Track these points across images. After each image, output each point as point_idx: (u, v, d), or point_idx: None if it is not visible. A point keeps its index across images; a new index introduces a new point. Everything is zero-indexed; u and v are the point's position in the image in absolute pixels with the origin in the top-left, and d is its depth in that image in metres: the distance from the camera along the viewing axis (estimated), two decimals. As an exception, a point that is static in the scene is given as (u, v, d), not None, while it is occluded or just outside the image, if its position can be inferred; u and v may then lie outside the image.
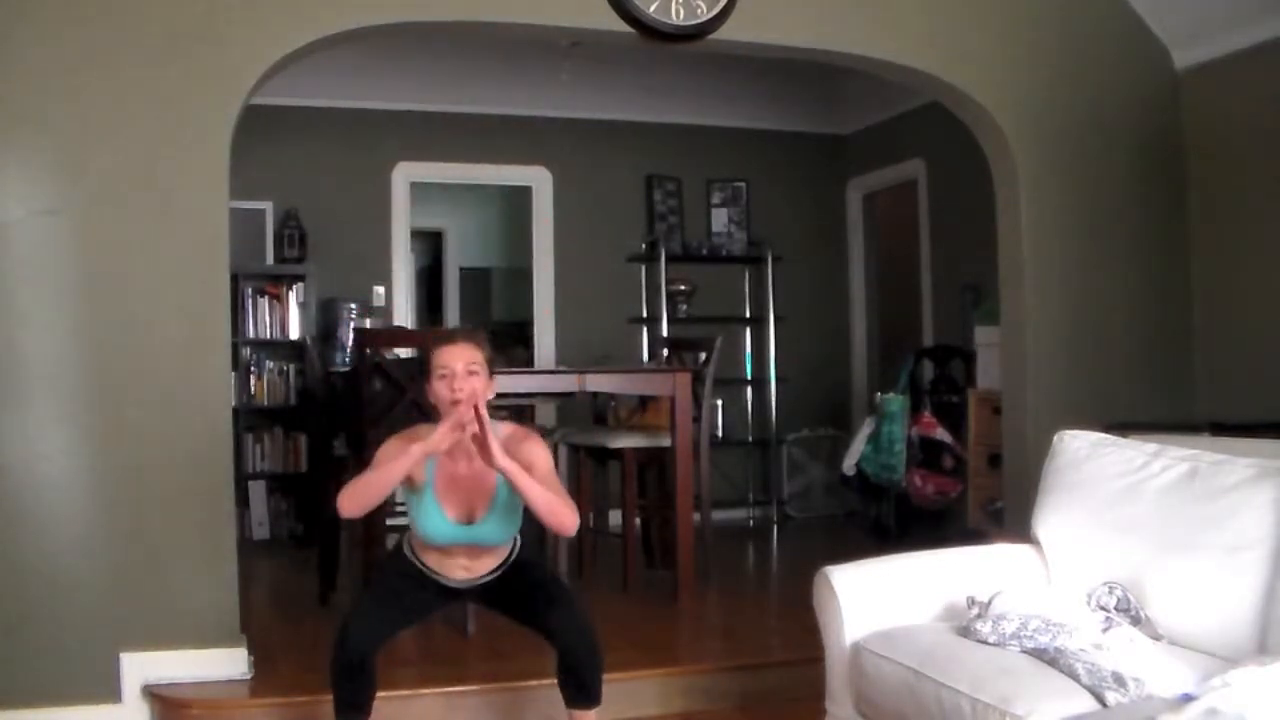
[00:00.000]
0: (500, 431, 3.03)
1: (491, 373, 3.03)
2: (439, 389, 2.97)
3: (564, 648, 2.97)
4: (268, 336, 6.84)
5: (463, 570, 3.10)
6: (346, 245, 7.01)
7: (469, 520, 3.04)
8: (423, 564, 3.11)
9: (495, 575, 3.13)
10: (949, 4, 4.69)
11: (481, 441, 2.91)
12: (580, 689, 3.01)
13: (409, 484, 3.03)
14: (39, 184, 3.69)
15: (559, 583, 3.22)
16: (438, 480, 3.03)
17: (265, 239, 6.86)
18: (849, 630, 2.93)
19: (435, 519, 3.03)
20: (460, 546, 3.07)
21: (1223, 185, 4.93)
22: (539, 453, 3.05)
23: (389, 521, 4.85)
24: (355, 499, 2.94)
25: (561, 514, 2.96)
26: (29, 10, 3.65)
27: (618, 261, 7.46)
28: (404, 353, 5.36)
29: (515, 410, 5.68)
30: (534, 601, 3.06)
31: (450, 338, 3.03)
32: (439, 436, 2.90)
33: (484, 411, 2.91)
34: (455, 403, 2.93)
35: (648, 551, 5.58)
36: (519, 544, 3.18)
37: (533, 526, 3.23)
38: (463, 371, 2.94)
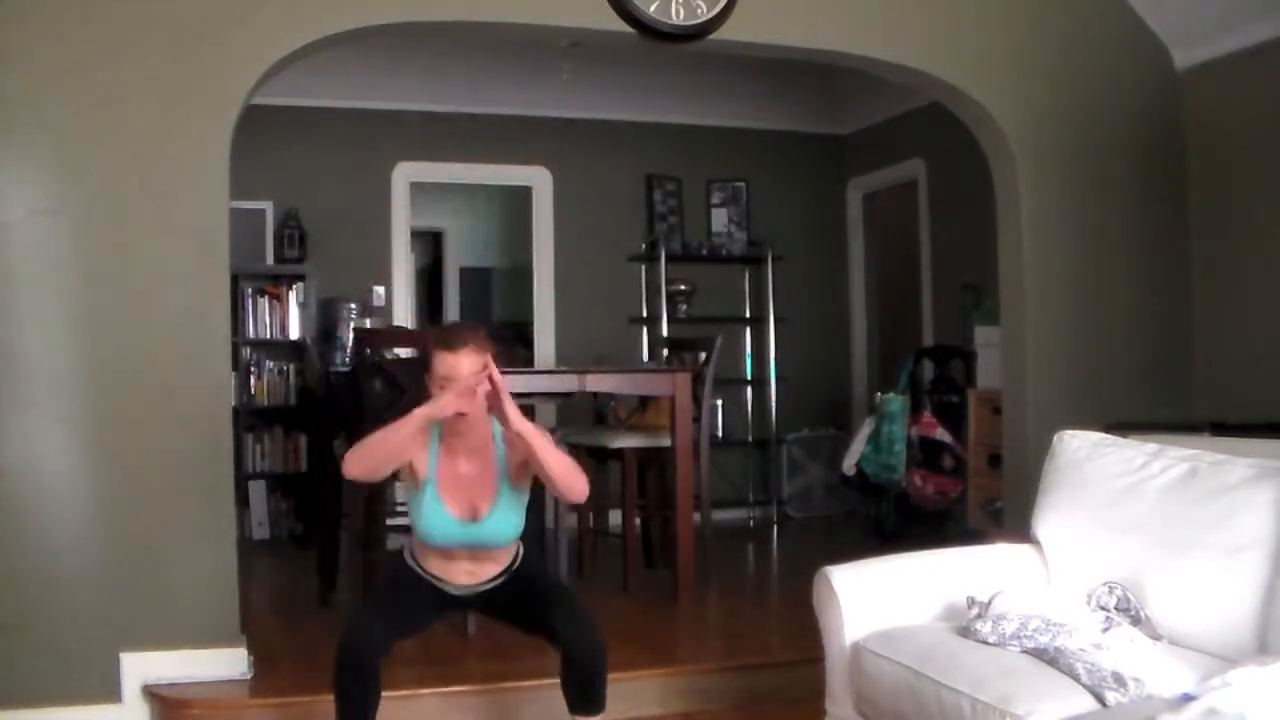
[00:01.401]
0: (497, 430, 3.05)
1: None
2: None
3: (569, 653, 2.95)
4: (268, 336, 6.84)
5: (466, 575, 3.08)
6: (346, 245, 7.02)
7: (473, 518, 3.02)
8: (425, 571, 3.09)
9: (499, 582, 3.11)
10: (949, 5, 4.69)
11: (497, 401, 2.89)
12: (585, 695, 2.99)
13: (410, 477, 3.01)
14: (39, 184, 3.69)
15: (562, 586, 3.21)
16: (439, 477, 3.02)
17: (265, 239, 6.86)
18: (849, 630, 2.93)
19: (438, 516, 3.00)
20: (463, 549, 3.04)
21: (1223, 185, 4.92)
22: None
23: (389, 521, 4.86)
24: (360, 458, 2.92)
25: (576, 477, 2.99)
26: (29, 9, 3.65)
27: (618, 261, 7.46)
28: (404, 353, 5.36)
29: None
30: (537, 606, 3.04)
31: (449, 344, 2.92)
32: (446, 401, 2.86)
33: (498, 376, 2.89)
34: (461, 415, 2.93)
35: (648, 551, 5.58)
36: (521, 552, 3.15)
37: (531, 524, 3.21)
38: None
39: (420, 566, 3.10)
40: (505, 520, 3.05)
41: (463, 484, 3.03)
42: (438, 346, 2.94)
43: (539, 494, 3.49)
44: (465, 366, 2.89)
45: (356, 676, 2.85)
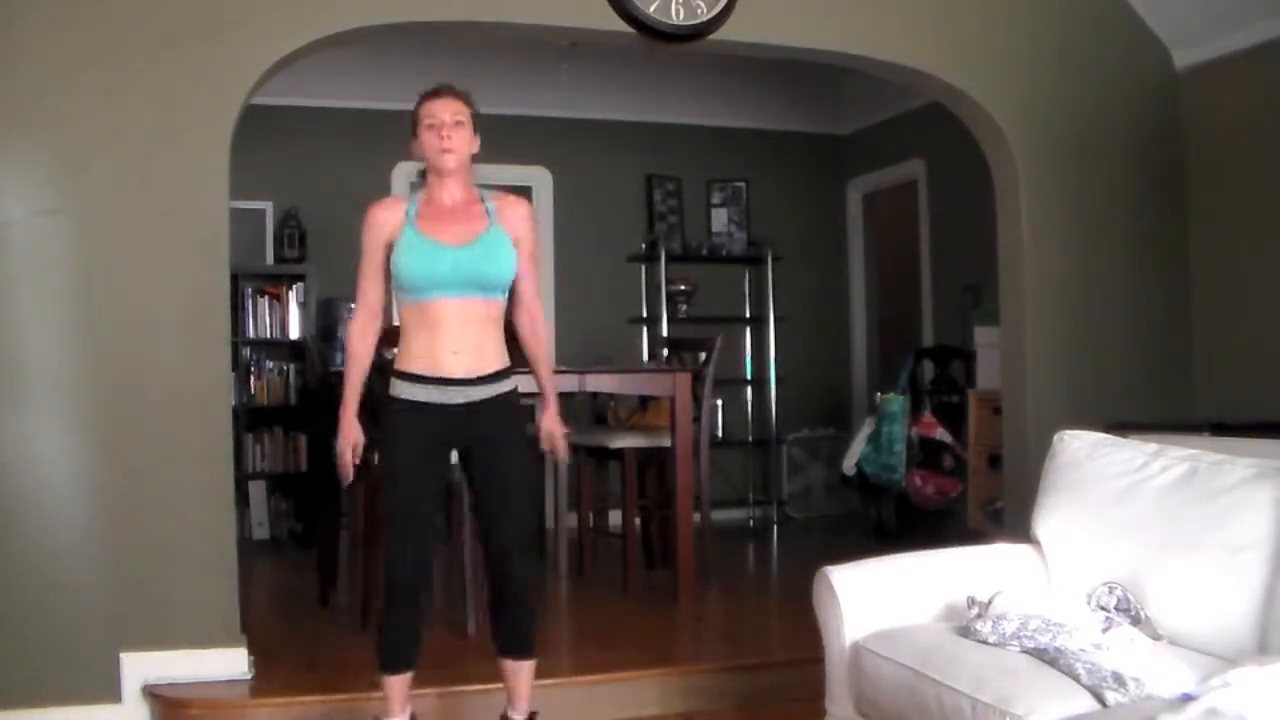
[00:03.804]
0: (490, 199, 3.06)
1: (476, 129, 3.01)
2: (427, 139, 2.96)
3: (494, 579, 3.01)
4: (268, 336, 6.84)
5: (453, 357, 2.92)
6: (346, 245, 6.94)
7: (460, 242, 2.93)
8: (413, 377, 2.95)
9: (490, 391, 2.97)
10: (949, 4, 4.69)
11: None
12: (509, 632, 3.06)
13: (388, 246, 2.99)
14: (39, 184, 3.69)
15: (524, 500, 3.07)
16: (419, 219, 2.96)
17: (265, 239, 6.86)
18: (849, 630, 2.93)
19: (419, 244, 2.91)
20: (452, 287, 2.90)
21: (1222, 185, 4.92)
22: (526, 226, 3.06)
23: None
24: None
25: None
26: (29, 9, 3.65)
27: (618, 261, 7.46)
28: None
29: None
30: (493, 495, 3.00)
31: (436, 90, 3.01)
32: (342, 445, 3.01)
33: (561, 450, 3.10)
34: (445, 151, 2.93)
35: (648, 551, 5.58)
36: (513, 384, 3.05)
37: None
38: (450, 121, 2.94)
39: (407, 374, 2.96)
40: (498, 250, 2.94)
41: (446, 222, 2.96)
42: (424, 96, 3.04)
43: (539, 492, 3.49)
44: (448, 107, 2.98)
45: (408, 611, 2.98)
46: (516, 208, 3.08)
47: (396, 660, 3.04)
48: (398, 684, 3.06)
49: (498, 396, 3.00)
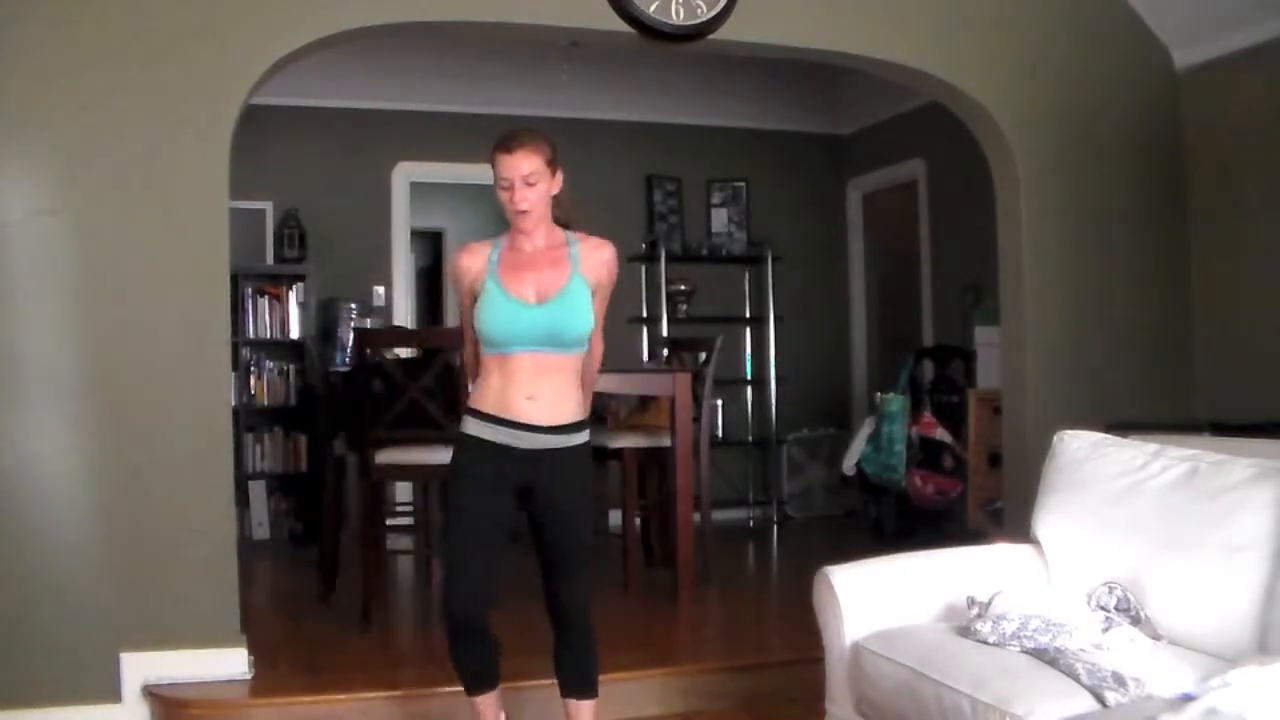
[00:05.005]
0: (576, 241, 3.03)
1: (555, 169, 2.95)
2: (502, 198, 2.93)
3: (564, 630, 2.99)
4: (268, 336, 6.84)
5: (526, 400, 2.87)
6: (346, 245, 7.02)
7: (539, 300, 2.90)
8: (485, 416, 2.90)
9: (563, 441, 2.93)
10: (949, 4, 4.69)
11: None
12: (579, 677, 3.03)
13: (473, 294, 2.94)
14: (39, 184, 3.69)
15: (588, 554, 3.07)
16: (501, 270, 2.92)
17: (265, 239, 6.87)
18: (849, 630, 2.93)
19: (498, 300, 2.87)
20: (528, 342, 2.87)
21: (1222, 185, 4.93)
22: (606, 272, 3.08)
23: (389, 521, 4.86)
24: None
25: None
26: (29, 9, 3.65)
27: (618, 261, 7.45)
28: (404, 353, 5.37)
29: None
30: (557, 553, 2.97)
31: (507, 145, 2.92)
32: None
33: None
34: (519, 213, 2.90)
35: (648, 551, 5.58)
36: (588, 430, 3.03)
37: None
38: (521, 183, 2.89)
39: (480, 415, 2.92)
40: (577, 307, 2.92)
41: (528, 274, 2.92)
42: (496, 149, 2.94)
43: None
44: (519, 167, 2.88)
45: (470, 643, 2.93)
46: (600, 252, 3.06)
47: (473, 685, 3.02)
48: (481, 703, 3.04)
49: (569, 448, 2.97)
